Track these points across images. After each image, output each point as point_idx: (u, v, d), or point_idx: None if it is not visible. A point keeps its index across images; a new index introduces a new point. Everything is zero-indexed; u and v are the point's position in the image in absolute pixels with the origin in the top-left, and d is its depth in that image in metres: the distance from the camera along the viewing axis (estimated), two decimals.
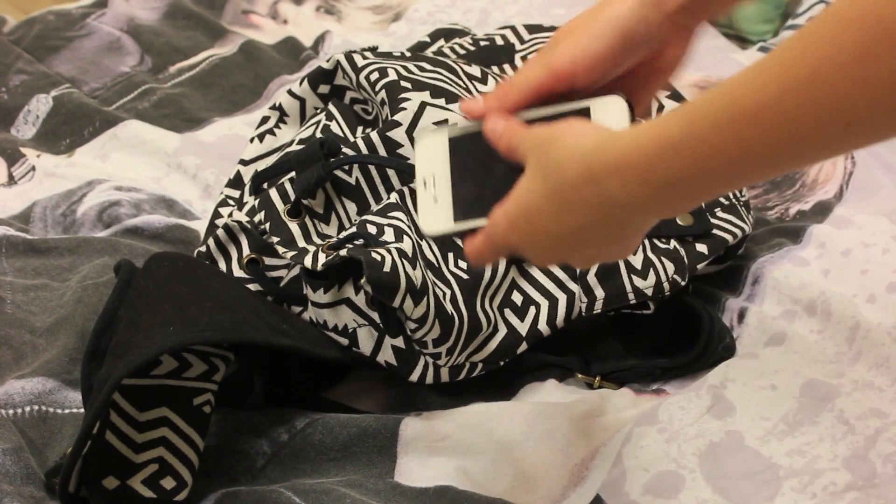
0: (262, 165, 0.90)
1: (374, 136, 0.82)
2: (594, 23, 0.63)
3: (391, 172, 0.82)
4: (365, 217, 0.79)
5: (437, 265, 0.79)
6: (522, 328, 0.80)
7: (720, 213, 0.87)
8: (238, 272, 0.82)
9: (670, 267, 0.82)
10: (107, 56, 1.31)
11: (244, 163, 0.91)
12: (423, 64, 0.88)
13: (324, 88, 0.91)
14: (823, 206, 0.98)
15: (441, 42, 1.05)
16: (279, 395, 0.80)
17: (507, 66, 0.95)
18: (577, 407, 0.76)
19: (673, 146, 0.53)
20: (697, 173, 0.53)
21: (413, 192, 0.79)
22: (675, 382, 0.81)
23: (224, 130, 1.18)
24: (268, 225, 0.80)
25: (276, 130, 0.90)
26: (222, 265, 0.83)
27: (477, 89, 0.87)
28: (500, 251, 0.63)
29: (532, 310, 0.81)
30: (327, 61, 0.90)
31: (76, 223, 1.02)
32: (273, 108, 0.92)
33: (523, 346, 0.80)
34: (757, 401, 0.74)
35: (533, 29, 1.00)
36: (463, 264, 0.79)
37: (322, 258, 0.75)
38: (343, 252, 0.74)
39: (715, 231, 0.86)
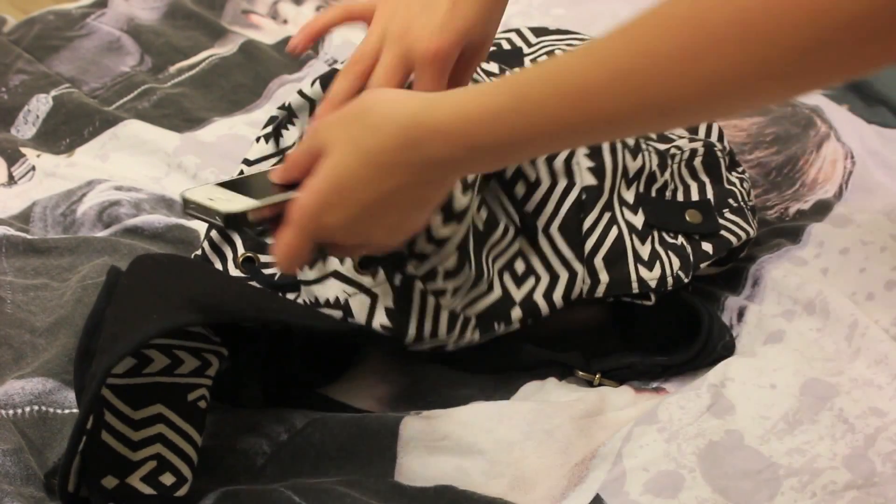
0: (266, 166, 0.90)
1: None
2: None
3: None
4: None
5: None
6: (517, 295, 0.80)
7: (728, 215, 0.88)
8: (234, 271, 0.82)
9: (676, 262, 0.83)
10: (107, 56, 1.31)
11: (248, 163, 0.91)
12: None
13: None
14: (823, 206, 0.98)
15: None
16: (275, 390, 0.80)
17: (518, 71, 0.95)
18: (577, 406, 0.76)
19: (498, 116, 0.56)
20: (519, 141, 0.57)
21: None
22: (674, 381, 0.81)
23: (224, 130, 1.18)
24: None
25: (283, 132, 0.89)
26: (218, 265, 0.83)
27: None
28: (311, 237, 0.63)
29: (531, 280, 0.80)
30: (341, 63, 0.89)
31: (76, 223, 1.02)
32: (282, 108, 0.92)
33: (517, 313, 0.80)
34: (756, 399, 0.74)
35: (539, 32, 1.00)
36: (481, 216, 0.78)
37: None
38: None
39: (722, 232, 0.86)
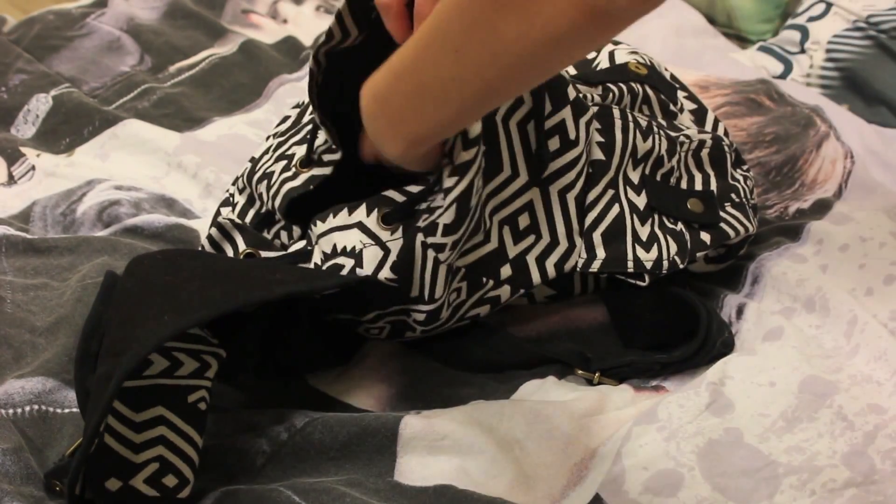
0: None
1: None
2: None
3: None
4: None
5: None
6: (511, 251, 0.80)
7: (729, 209, 0.88)
8: None
9: (673, 247, 0.83)
10: (106, 55, 1.31)
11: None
12: None
13: None
14: (823, 205, 0.99)
15: None
16: (270, 372, 0.81)
17: None
18: (577, 406, 0.76)
19: (376, 96, 0.68)
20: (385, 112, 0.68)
21: None
22: (674, 378, 0.81)
23: (224, 130, 1.18)
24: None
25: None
26: None
27: None
28: None
29: (530, 238, 0.80)
30: None
31: (76, 222, 1.03)
32: (297, 107, 0.91)
33: (507, 270, 0.79)
34: (756, 397, 0.74)
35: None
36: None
37: None
38: None
39: (721, 224, 0.86)
